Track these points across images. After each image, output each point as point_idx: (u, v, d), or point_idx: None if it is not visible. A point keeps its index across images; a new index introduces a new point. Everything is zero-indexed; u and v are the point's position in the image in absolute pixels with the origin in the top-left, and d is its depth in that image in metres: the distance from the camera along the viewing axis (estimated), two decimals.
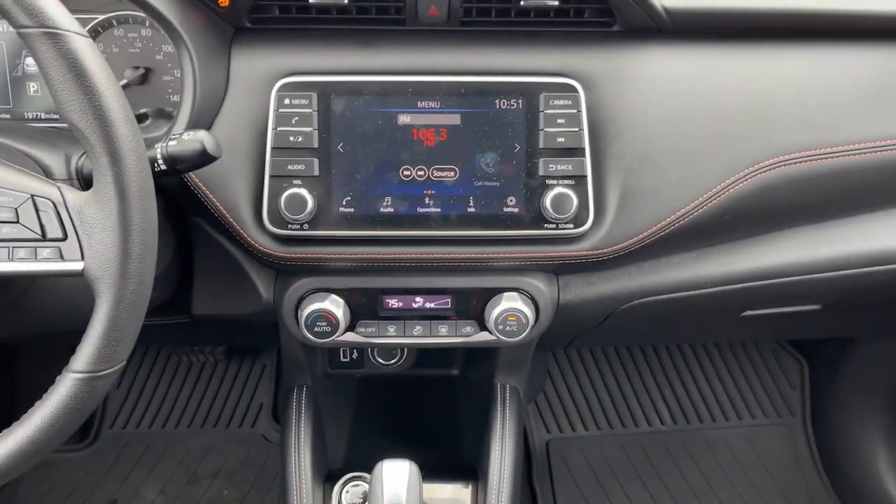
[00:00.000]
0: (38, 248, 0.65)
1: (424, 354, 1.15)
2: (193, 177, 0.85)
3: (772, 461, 1.63)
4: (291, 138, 0.85)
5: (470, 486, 1.04)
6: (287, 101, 0.85)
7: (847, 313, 1.21)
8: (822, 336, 1.48)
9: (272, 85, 0.86)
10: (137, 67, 0.92)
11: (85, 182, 0.78)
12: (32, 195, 0.66)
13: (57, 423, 0.65)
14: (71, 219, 0.65)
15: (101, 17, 0.91)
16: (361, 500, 0.98)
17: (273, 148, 0.85)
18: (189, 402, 1.68)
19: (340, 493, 1.00)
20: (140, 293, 0.66)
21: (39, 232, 0.65)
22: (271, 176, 0.85)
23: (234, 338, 1.39)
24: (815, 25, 0.92)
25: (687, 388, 1.71)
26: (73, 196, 0.66)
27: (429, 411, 1.28)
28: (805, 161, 0.90)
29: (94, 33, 0.92)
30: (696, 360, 1.72)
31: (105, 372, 0.66)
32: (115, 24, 0.92)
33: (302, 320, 0.90)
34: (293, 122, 0.85)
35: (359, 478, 1.01)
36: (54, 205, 0.65)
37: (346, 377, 1.19)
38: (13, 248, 0.65)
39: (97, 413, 1.67)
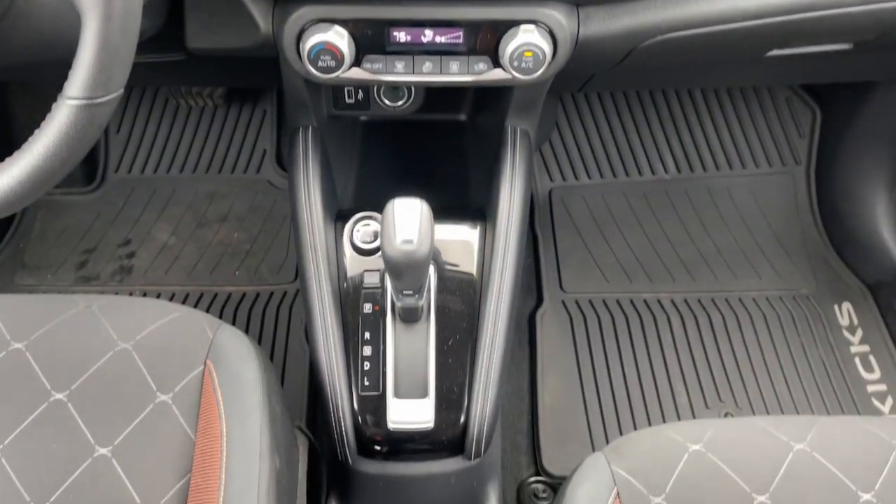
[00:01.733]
0: None
1: (432, 96, 1.10)
2: None
3: (771, 209, 1.66)
4: None
5: (478, 227, 1.05)
6: None
7: (877, 54, 1.14)
8: (846, 80, 1.42)
9: None
10: None
11: None
12: None
13: (59, 152, 0.63)
14: None
15: None
16: (373, 239, 1.00)
17: None
18: (192, 148, 1.67)
19: (352, 232, 1.01)
20: (129, 10, 0.61)
21: None
22: None
23: (234, 77, 1.33)
24: None
25: (694, 137, 1.68)
26: None
27: (437, 156, 1.27)
28: None
29: None
30: (707, 108, 1.68)
31: (102, 99, 0.62)
32: None
33: (304, 54, 0.85)
34: None
35: (369, 217, 1.02)
36: None
37: (352, 119, 1.16)
38: None
39: (101, 155, 1.66)
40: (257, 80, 1.37)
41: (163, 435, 0.83)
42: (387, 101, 1.08)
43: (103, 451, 0.82)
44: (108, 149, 1.67)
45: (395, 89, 1.07)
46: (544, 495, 1.28)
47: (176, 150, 1.66)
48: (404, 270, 0.82)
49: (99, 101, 0.62)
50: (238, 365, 0.87)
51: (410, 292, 0.89)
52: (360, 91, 1.07)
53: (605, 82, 1.26)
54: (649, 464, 0.82)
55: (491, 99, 1.10)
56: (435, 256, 0.99)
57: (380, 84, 1.03)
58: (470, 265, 1.03)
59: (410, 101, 1.08)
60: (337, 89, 1.07)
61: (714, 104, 1.68)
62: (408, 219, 0.80)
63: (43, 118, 0.64)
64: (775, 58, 1.07)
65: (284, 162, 1.64)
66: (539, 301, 1.52)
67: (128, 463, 0.81)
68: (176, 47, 0.97)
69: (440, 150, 1.27)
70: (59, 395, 0.84)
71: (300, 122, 1.05)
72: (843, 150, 1.59)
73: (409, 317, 0.95)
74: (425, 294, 0.93)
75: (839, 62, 1.18)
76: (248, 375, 0.87)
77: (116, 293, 1.50)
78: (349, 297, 1.00)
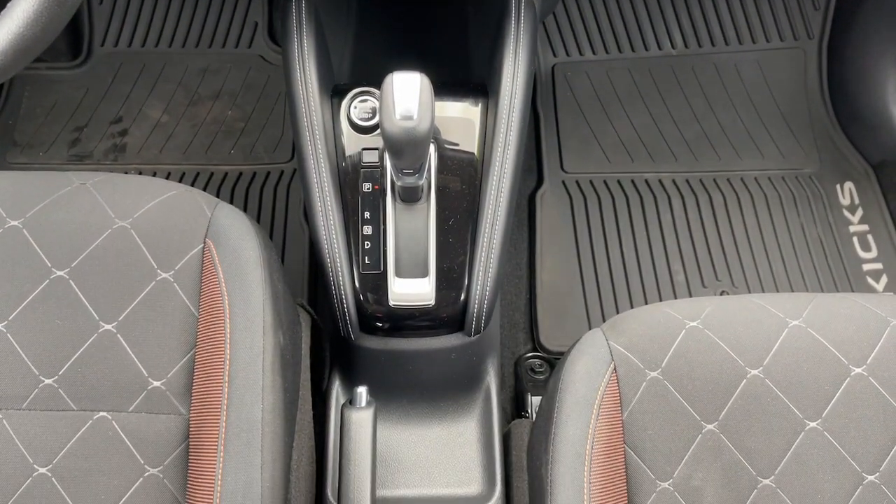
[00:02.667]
0: None
1: None
2: None
3: (778, 86, 1.62)
4: None
5: (480, 104, 1.02)
6: None
7: None
8: None
9: None
10: None
11: None
12: None
13: (40, 16, 0.60)
14: None
15: None
16: (370, 115, 0.97)
17: None
18: (180, 20, 1.60)
19: (349, 108, 0.98)
20: None
21: None
22: None
23: None
24: None
25: (704, 9, 1.62)
26: None
27: (437, 27, 1.21)
28: None
29: None
30: None
31: None
32: None
33: None
34: None
35: (367, 93, 0.98)
36: None
37: None
38: None
39: (85, 27, 1.60)
40: None
41: (166, 311, 0.83)
42: None
43: (108, 326, 0.83)
44: (91, 20, 1.60)
45: None
46: (541, 370, 1.31)
47: (164, 21, 1.60)
48: (404, 148, 0.80)
49: None
50: (238, 242, 0.87)
51: (411, 171, 0.87)
52: None
53: None
54: (646, 340, 0.83)
55: None
56: (435, 135, 0.96)
57: None
58: (471, 144, 1.00)
59: None
60: None
61: None
62: (407, 93, 0.77)
63: None
64: None
65: (277, 36, 1.58)
66: (539, 181, 1.50)
67: (133, 338, 0.82)
68: None
69: (440, 21, 1.21)
70: (60, 273, 0.84)
71: None
72: (857, 24, 1.53)
73: (410, 197, 0.94)
74: (425, 174, 0.91)
75: None
76: (248, 253, 0.86)
77: (111, 171, 1.49)
78: (348, 176, 0.98)
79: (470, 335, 0.98)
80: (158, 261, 0.85)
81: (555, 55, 1.64)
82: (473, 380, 1.05)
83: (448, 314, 0.97)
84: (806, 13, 1.60)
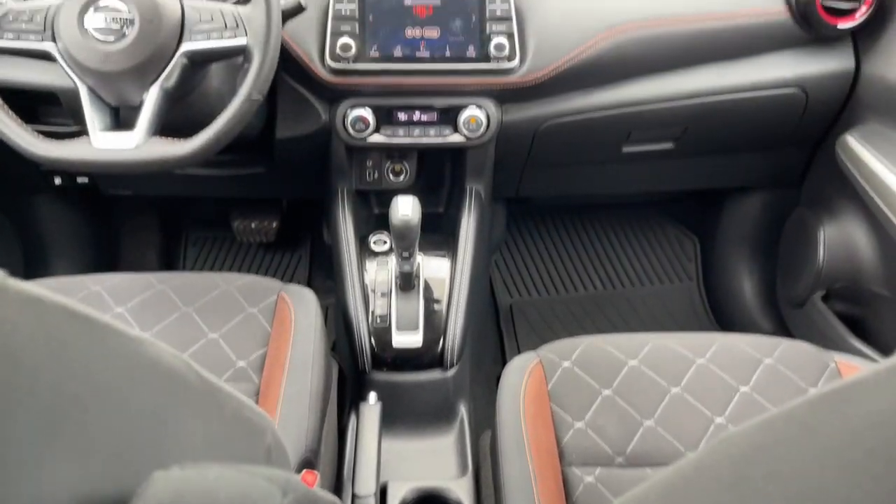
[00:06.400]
0: (223, 32, 1.26)
1: (420, 174, 1.74)
2: (284, 35, 1.47)
3: (677, 313, 2.22)
4: (343, 11, 1.47)
5: (447, 249, 1.62)
6: None
7: (698, 158, 1.82)
8: (684, 187, 2.08)
9: None
10: None
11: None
12: (221, 10, 1.27)
13: (232, 125, 1.23)
14: (241, 18, 1.26)
15: None
16: (384, 242, 1.58)
17: (333, 18, 1.47)
18: None
19: (370, 243, 1.59)
20: (274, 56, 1.26)
21: (223, 24, 1.26)
22: (331, 32, 1.47)
23: (292, 188, 1.97)
24: None
25: (612, 262, 2.31)
26: (242, 9, 1.27)
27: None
28: (641, 28, 1.53)
29: None
30: (618, 241, 2.33)
31: (257, 97, 1.25)
32: None
33: (347, 124, 1.51)
34: (344, 2, 1.48)
35: (378, 233, 1.61)
36: (232, 13, 1.27)
37: (368, 194, 1.78)
38: (211, 33, 1.26)
39: None
40: (304, 191, 2.01)
41: (251, 328, 1.33)
42: (392, 178, 1.72)
43: (214, 335, 1.32)
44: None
45: (397, 172, 1.72)
46: None
47: None
48: (404, 232, 1.38)
49: (255, 97, 1.26)
50: (302, 293, 1.39)
51: (407, 255, 1.43)
52: (375, 171, 1.72)
53: (532, 181, 1.90)
54: (568, 346, 1.29)
55: (455, 166, 1.73)
56: (422, 248, 1.54)
57: (391, 147, 1.66)
58: (444, 266, 1.58)
59: (407, 177, 1.72)
60: (361, 168, 1.71)
61: (623, 239, 2.33)
62: (405, 204, 1.36)
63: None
64: (631, 155, 1.75)
65: (326, 217, 2.06)
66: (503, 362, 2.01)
67: (228, 341, 1.31)
68: (259, 162, 1.64)
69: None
70: (188, 309, 1.36)
71: (339, 186, 1.67)
72: (716, 263, 2.21)
73: (406, 285, 1.48)
74: (415, 268, 1.47)
75: (666, 166, 1.84)
76: (309, 306, 1.38)
77: None
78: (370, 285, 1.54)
79: (446, 370, 1.44)
80: (248, 302, 1.37)
81: (511, 296, 2.27)
82: (451, 406, 1.45)
83: (431, 355, 1.44)
84: (682, 263, 2.29)
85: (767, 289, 2.08)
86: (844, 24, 1.55)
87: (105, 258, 2.18)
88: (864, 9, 1.54)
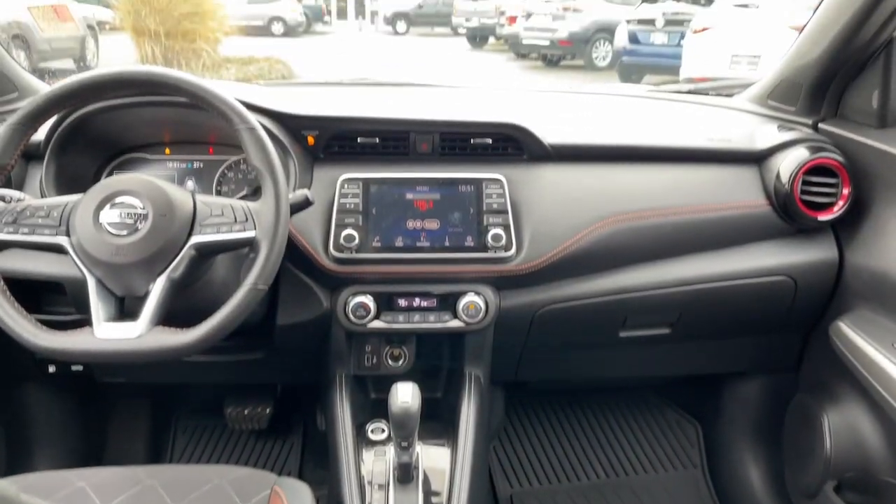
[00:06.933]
0: (232, 226, 1.30)
1: (419, 358, 1.73)
2: (290, 226, 1.53)
3: (683, 502, 2.14)
4: (348, 205, 1.54)
5: (446, 439, 1.58)
6: (346, 188, 1.56)
7: (694, 343, 1.84)
8: (682, 372, 2.07)
9: (337, 180, 1.57)
10: None
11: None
12: (231, 205, 1.33)
13: (235, 315, 1.25)
14: (251, 213, 1.31)
15: None
16: (382, 431, 1.54)
17: (338, 211, 1.54)
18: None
19: (367, 432, 1.55)
20: (281, 248, 1.30)
21: (234, 218, 1.31)
22: (336, 224, 1.53)
23: (289, 374, 1.95)
24: (636, 154, 1.68)
25: (613, 449, 2.25)
26: (252, 204, 1.33)
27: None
28: (631, 219, 1.60)
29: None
30: (619, 426, 2.28)
31: (262, 287, 1.28)
32: None
33: (348, 309, 1.53)
34: (349, 197, 1.55)
35: (376, 421, 1.57)
36: (242, 208, 1.32)
37: (366, 379, 1.76)
38: (220, 226, 1.30)
39: None
40: (302, 376, 1.98)
41: None
42: (391, 363, 1.71)
43: None
44: None
45: (396, 356, 1.71)
46: None
47: None
48: (403, 420, 1.36)
49: (261, 287, 1.28)
50: (296, 491, 1.34)
51: (406, 444, 1.40)
52: (374, 356, 1.71)
53: (530, 366, 1.89)
54: None
55: (455, 352, 1.72)
56: (421, 437, 1.50)
57: (390, 332, 1.66)
58: (444, 456, 1.54)
59: (406, 362, 1.71)
60: (360, 353, 1.70)
61: (625, 426, 2.28)
62: (405, 390, 1.35)
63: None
64: (627, 340, 1.76)
65: (322, 403, 2.01)
66: None
67: None
68: (259, 347, 1.65)
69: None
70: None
71: (338, 371, 1.66)
72: (719, 450, 2.15)
73: (405, 476, 1.43)
74: (414, 458, 1.43)
75: (671, 353, 1.85)
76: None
77: None
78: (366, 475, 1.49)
79: None
80: (241, 498, 1.32)
81: (511, 486, 2.19)
82: None
83: None
84: (686, 449, 2.24)
85: (775, 477, 2.02)
86: (824, 217, 1.63)
87: (92, 447, 2.11)
88: (840, 203, 1.62)
